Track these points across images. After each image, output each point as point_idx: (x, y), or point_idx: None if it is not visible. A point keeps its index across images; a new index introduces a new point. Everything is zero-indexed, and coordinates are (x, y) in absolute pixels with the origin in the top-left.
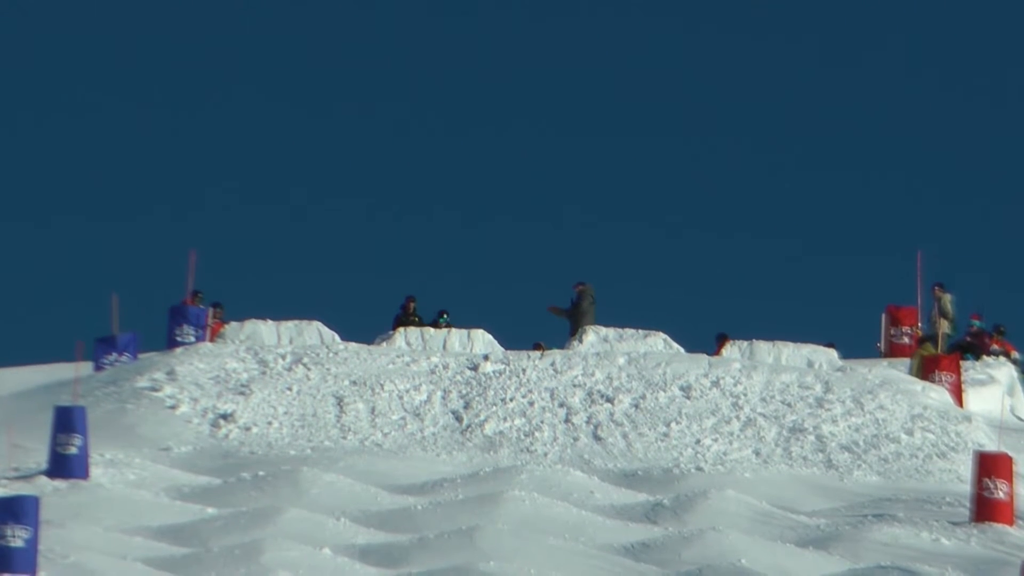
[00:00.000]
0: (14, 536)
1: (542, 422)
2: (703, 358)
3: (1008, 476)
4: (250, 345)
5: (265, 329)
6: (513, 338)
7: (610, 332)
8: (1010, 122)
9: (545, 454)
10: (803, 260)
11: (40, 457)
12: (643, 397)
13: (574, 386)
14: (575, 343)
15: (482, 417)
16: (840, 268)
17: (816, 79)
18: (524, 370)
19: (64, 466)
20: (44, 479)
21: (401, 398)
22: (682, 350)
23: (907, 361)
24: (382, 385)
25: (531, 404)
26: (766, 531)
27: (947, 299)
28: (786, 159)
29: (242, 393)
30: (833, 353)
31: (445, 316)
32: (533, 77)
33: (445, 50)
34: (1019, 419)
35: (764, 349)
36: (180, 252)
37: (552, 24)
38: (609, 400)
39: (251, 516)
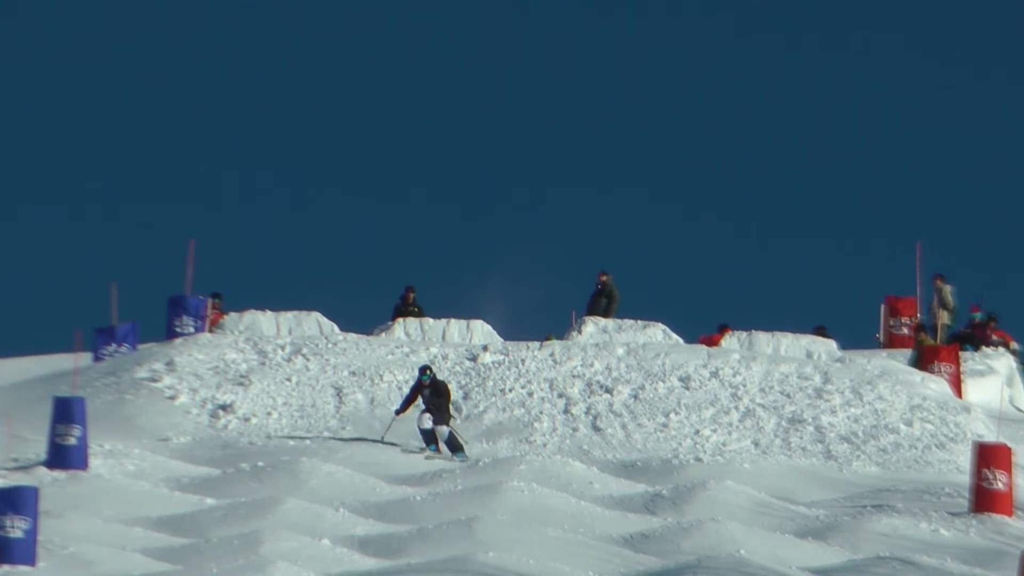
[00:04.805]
0: (13, 527)
1: (541, 412)
2: (702, 349)
3: (1007, 467)
4: (249, 336)
5: (264, 320)
6: (512, 329)
7: (609, 323)
8: (1010, 113)
9: (544, 445)
10: (802, 251)
11: (39, 448)
12: (642, 388)
13: (573, 377)
14: (574, 334)
15: (481, 408)
16: (839, 259)
17: (815, 71)
18: (523, 361)
19: (63, 457)
20: (43, 470)
21: (400, 389)
22: (681, 341)
23: (906, 352)
24: (381, 376)
25: (530, 395)
26: (765, 522)
27: (948, 290)
28: (786, 151)
29: (241, 384)
30: (832, 344)
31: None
32: (537, 69)
33: (445, 43)
34: (1018, 410)
35: (763, 340)
36: (179, 242)
37: (554, 15)
38: (608, 391)
39: (250, 507)
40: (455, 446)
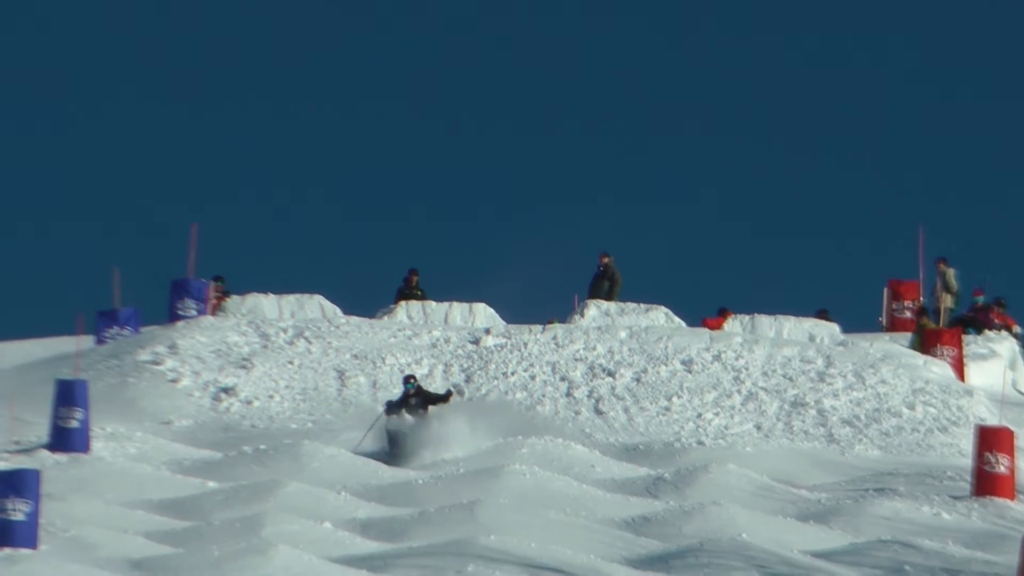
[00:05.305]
0: (15, 510)
1: (543, 396)
2: (705, 332)
3: (1009, 450)
4: (252, 319)
5: (267, 303)
6: (515, 312)
7: (611, 306)
8: (1011, 96)
9: (546, 428)
10: (805, 234)
11: (41, 430)
12: (644, 371)
13: (575, 360)
14: (577, 317)
15: (484, 391)
16: (842, 243)
17: (813, 58)
18: (526, 344)
19: (65, 439)
20: (45, 452)
21: (403, 372)
22: (683, 324)
23: (909, 336)
24: (383, 359)
25: (532, 378)
26: (767, 505)
27: (951, 273)
28: (788, 136)
29: (243, 367)
30: (835, 327)
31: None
32: (555, 66)
33: (449, 34)
34: (1020, 393)
35: (766, 323)
36: (182, 226)
37: (559, 18)
38: (610, 374)
39: (252, 490)
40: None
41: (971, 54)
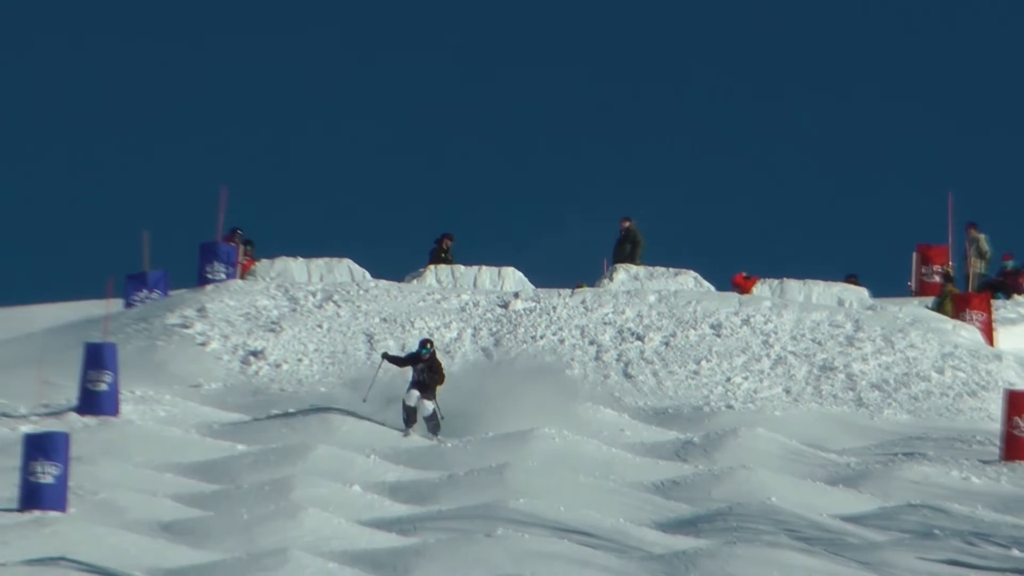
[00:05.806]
0: (44, 472)
1: (572, 359)
2: (734, 296)
3: None
4: (281, 282)
5: (296, 266)
6: (544, 276)
7: (640, 270)
8: None
9: (575, 391)
10: (834, 198)
11: (70, 394)
12: (673, 335)
13: (604, 324)
14: (605, 281)
15: (512, 355)
16: (871, 207)
17: (846, 14)
18: (555, 308)
19: (94, 403)
20: (74, 416)
21: (431, 335)
22: (712, 288)
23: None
24: (412, 322)
25: (561, 342)
26: (796, 469)
27: (983, 238)
28: (817, 97)
29: (272, 330)
30: (864, 291)
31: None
32: (569, 40)
33: None
34: None
35: (795, 287)
36: (211, 189)
37: None
38: (639, 338)
39: (281, 453)
40: (435, 426)
41: (1002, 19)
